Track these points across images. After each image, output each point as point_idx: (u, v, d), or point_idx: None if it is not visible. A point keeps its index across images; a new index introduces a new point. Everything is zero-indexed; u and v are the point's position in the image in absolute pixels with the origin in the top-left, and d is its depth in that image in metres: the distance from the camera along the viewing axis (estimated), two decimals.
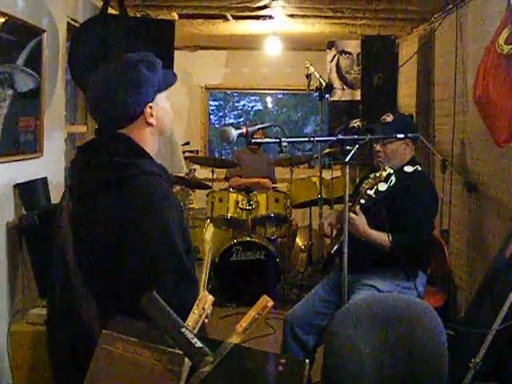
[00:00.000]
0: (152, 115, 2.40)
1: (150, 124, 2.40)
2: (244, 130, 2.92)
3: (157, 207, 2.23)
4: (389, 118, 4.20)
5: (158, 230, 2.21)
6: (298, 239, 8.28)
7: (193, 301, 1.88)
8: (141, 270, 2.17)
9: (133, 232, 2.19)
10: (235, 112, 15.29)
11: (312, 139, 3.23)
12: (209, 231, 3.05)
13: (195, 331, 1.76)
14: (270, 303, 1.80)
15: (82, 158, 2.40)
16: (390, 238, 3.90)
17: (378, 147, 4.20)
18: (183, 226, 2.36)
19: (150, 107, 2.39)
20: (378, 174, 3.85)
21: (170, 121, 2.52)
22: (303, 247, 8.14)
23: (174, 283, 2.18)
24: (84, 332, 2.20)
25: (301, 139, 3.32)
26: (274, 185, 8.19)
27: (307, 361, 1.70)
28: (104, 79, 2.38)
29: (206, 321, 2.36)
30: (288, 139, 3.10)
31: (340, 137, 3.39)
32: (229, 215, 7.28)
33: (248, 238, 7.02)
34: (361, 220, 3.89)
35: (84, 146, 2.46)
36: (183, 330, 1.68)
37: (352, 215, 3.79)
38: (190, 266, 2.30)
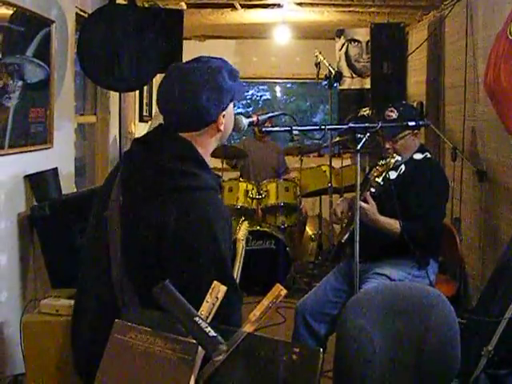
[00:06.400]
0: (222, 123, 2.40)
1: (219, 131, 2.41)
2: (255, 118, 2.91)
3: (210, 225, 2.23)
4: (393, 113, 4.12)
5: (206, 243, 2.22)
6: (307, 228, 8.27)
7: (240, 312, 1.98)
8: (184, 278, 2.16)
9: (183, 242, 2.19)
10: (244, 101, 15.26)
11: (323, 127, 3.23)
12: (243, 230, 3.05)
13: (208, 320, 1.76)
14: (284, 292, 1.80)
15: (141, 154, 2.37)
16: (401, 225, 3.90)
17: (387, 145, 4.16)
18: (230, 240, 2.37)
19: (223, 115, 2.40)
20: (386, 162, 3.83)
21: (231, 128, 2.55)
22: (313, 236, 8.14)
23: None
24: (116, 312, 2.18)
25: (312, 127, 3.31)
26: (288, 175, 8.15)
27: (321, 349, 1.70)
28: (186, 79, 2.34)
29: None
30: (299, 127, 3.10)
31: (351, 125, 3.38)
32: (239, 205, 7.26)
33: (258, 228, 7.01)
34: (372, 208, 3.87)
35: (144, 142, 2.43)
36: (197, 319, 1.68)
37: (363, 204, 3.77)
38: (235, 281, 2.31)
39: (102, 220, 2.37)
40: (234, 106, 2.53)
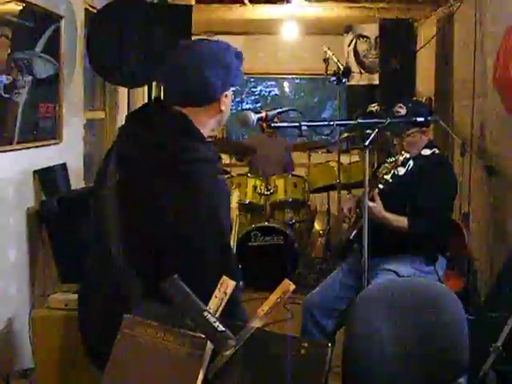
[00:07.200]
0: (224, 103, 2.41)
1: (221, 111, 2.42)
2: (263, 114, 2.90)
3: (209, 196, 2.24)
4: (402, 110, 4.10)
5: (207, 216, 2.23)
6: (316, 224, 8.27)
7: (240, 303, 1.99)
8: (187, 253, 2.19)
9: (183, 215, 2.20)
10: (252, 97, 15.24)
11: (332, 123, 3.23)
12: (234, 198, 3.05)
13: (217, 315, 1.76)
14: (292, 287, 1.80)
15: (135, 130, 2.38)
16: (409, 221, 3.90)
17: (395, 141, 4.17)
18: (230, 211, 2.40)
19: (226, 96, 2.40)
20: (394, 159, 3.83)
21: (228, 113, 2.54)
22: (321, 232, 8.14)
23: (218, 268, 2.18)
24: (125, 307, 2.20)
25: (320, 123, 3.31)
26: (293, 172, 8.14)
27: (329, 344, 1.70)
28: (195, 54, 2.36)
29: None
30: (307, 123, 3.10)
31: (360, 120, 3.38)
32: (247, 200, 7.27)
33: (266, 223, 7.01)
34: (378, 206, 3.87)
35: (138, 117, 2.45)
36: (205, 313, 1.68)
37: (370, 203, 3.77)
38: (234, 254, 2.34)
39: (100, 200, 2.38)
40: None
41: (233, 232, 2.85)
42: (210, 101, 2.38)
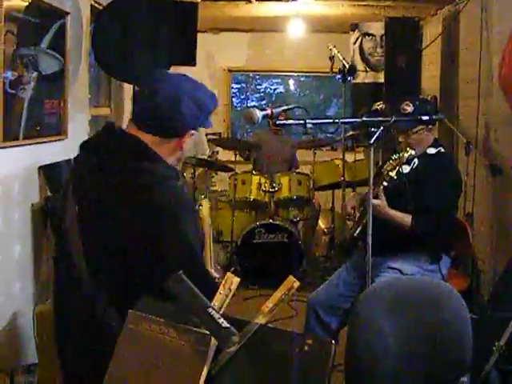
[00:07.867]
0: (185, 142, 2.39)
1: (181, 148, 2.40)
2: (269, 111, 2.90)
3: (170, 214, 2.24)
4: (408, 107, 4.09)
5: (172, 232, 2.24)
6: (320, 222, 8.26)
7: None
8: (154, 271, 2.19)
9: (147, 237, 2.21)
10: (257, 95, 15.22)
11: (337, 121, 3.22)
12: (205, 207, 3.05)
13: (221, 311, 1.77)
14: (296, 284, 1.80)
15: (90, 160, 2.36)
16: (413, 219, 3.89)
17: (400, 139, 4.15)
18: (197, 224, 2.39)
19: (190, 134, 2.39)
20: (399, 156, 3.82)
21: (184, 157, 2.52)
22: (326, 230, 8.14)
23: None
24: (96, 325, 2.22)
25: (325, 121, 3.30)
26: (297, 170, 8.13)
27: (333, 341, 1.70)
28: (175, 84, 2.33)
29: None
30: (313, 121, 3.09)
31: (365, 118, 3.38)
32: (251, 198, 7.28)
33: (271, 221, 7.02)
34: (382, 204, 3.87)
35: (91, 147, 2.42)
36: (210, 310, 1.68)
37: (373, 200, 3.76)
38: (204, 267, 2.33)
39: (62, 235, 2.38)
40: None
41: (208, 242, 2.84)
42: (176, 134, 2.36)
